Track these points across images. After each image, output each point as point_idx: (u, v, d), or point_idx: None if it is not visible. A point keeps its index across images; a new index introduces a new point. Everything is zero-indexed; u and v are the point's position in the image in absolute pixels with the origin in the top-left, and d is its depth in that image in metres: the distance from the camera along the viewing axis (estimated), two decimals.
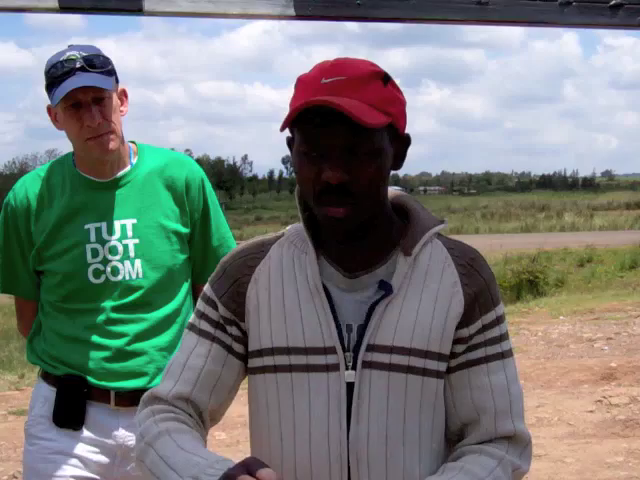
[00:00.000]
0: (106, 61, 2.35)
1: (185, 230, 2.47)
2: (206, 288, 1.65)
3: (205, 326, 1.62)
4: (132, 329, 2.40)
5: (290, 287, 1.55)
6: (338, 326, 1.51)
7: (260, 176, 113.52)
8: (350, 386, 1.50)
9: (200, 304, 1.65)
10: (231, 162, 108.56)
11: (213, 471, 1.39)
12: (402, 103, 1.51)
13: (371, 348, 1.50)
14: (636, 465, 5.40)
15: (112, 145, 2.35)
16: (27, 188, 2.44)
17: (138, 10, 2.21)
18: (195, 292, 2.57)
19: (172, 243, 2.45)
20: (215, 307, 1.61)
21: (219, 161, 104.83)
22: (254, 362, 1.58)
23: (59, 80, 2.28)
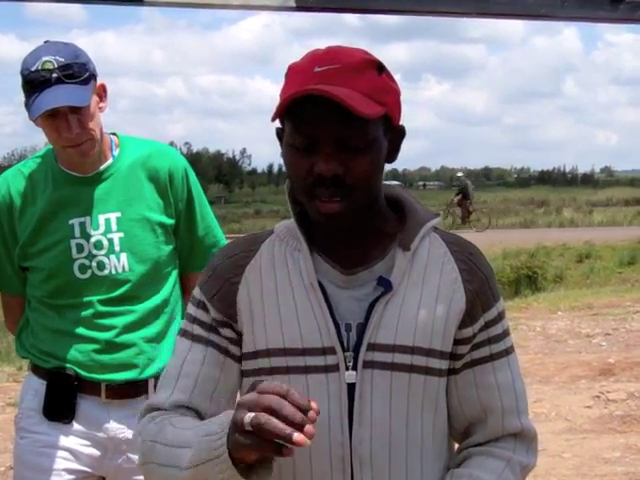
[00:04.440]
0: (83, 68, 2.27)
1: (170, 221, 2.46)
2: (195, 291, 1.56)
3: (198, 330, 1.53)
4: (120, 321, 2.39)
5: (284, 286, 1.48)
6: (337, 325, 1.45)
7: (259, 170, 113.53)
8: (351, 387, 1.44)
9: (190, 308, 1.56)
10: (230, 155, 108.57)
11: (224, 417, 1.30)
12: (397, 93, 1.45)
13: (372, 347, 1.44)
14: (633, 461, 5.41)
15: (91, 152, 2.33)
16: (9, 184, 2.40)
17: (138, 0, 2.20)
18: (183, 282, 2.56)
19: (157, 235, 2.43)
20: (206, 310, 1.52)
21: (219, 154, 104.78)
22: (248, 364, 1.51)
23: (36, 90, 2.23)
